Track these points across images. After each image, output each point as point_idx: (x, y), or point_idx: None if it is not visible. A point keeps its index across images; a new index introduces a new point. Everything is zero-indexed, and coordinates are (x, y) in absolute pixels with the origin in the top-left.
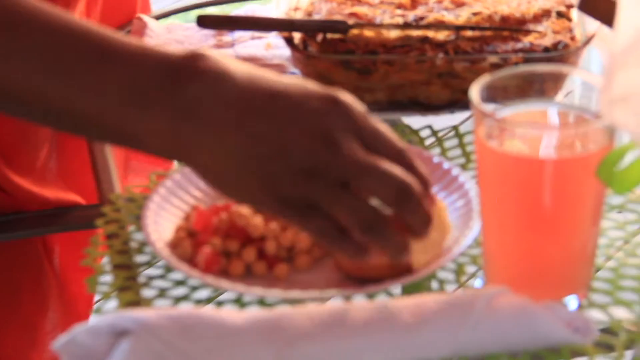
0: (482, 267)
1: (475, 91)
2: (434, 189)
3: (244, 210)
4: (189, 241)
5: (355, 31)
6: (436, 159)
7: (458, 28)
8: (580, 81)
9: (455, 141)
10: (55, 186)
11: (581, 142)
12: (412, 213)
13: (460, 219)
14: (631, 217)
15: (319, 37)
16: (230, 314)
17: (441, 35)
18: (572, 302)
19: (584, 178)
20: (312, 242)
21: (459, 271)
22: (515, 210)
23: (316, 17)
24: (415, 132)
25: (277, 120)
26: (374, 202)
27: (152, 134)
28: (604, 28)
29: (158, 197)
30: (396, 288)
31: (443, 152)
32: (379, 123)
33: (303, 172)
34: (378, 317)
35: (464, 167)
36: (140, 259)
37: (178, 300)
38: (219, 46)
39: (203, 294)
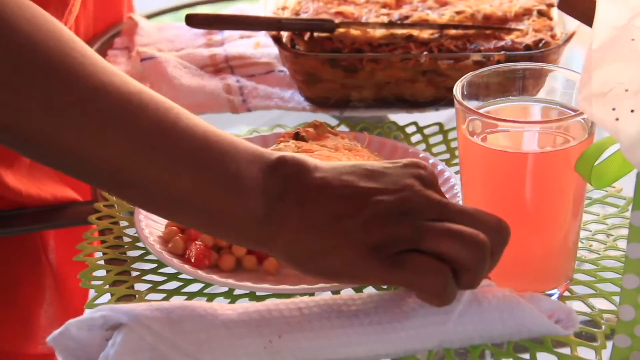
0: None
1: (458, 88)
2: None
3: None
4: (181, 236)
5: (341, 30)
6: (422, 155)
7: (442, 27)
8: (560, 78)
9: (440, 137)
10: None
11: (561, 137)
12: (478, 271)
13: None
14: (612, 211)
15: (307, 35)
16: (221, 306)
17: (425, 34)
18: (554, 293)
19: (565, 172)
20: None
21: None
22: (497, 204)
23: (303, 16)
24: (401, 128)
25: (357, 185)
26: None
27: (245, 216)
28: (584, 26)
29: None
30: None
31: (428, 148)
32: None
33: (390, 214)
34: (365, 310)
35: (448, 162)
36: (132, 253)
37: (170, 293)
38: (209, 45)
39: (195, 287)
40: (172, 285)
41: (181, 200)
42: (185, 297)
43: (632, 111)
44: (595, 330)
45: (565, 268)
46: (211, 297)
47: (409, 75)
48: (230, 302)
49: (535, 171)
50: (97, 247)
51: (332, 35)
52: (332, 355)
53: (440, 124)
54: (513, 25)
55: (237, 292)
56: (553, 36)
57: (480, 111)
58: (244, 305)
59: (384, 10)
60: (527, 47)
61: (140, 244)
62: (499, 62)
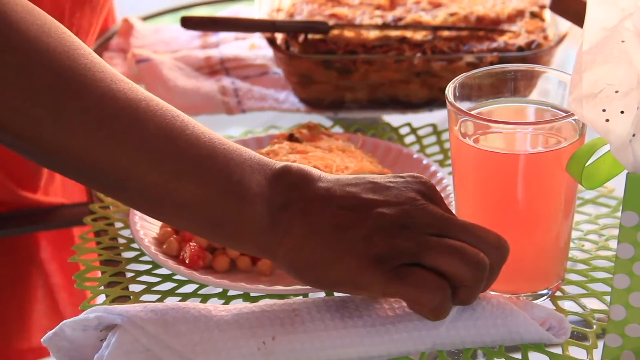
0: None
1: (450, 90)
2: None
3: None
4: (175, 237)
5: (335, 32)
6: (415, 155)
7: (435, 28)
8: (553, 79)
9: (433, 138)
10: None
11: (553, 138)
12: (475, 287)
13: None
14: (604, 211)
15: (301, 37)
16: (215, 308)
17: (419, 36)
18: (546, 293)
19: (556, 173)
20: None
21: None
22: (489, 205)
23: (298, 18)
24: (395, 129)
25: (360, 196)
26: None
27: (251, 224)
28: (576, 28)
29: None
30: None
31: (422, 149)
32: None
33: (393, 226)
34: (359, 312)
35: (442, 163)
36: (127, 254)
37: (165, 294)
38: (204, 47)
39: (189, 288)
40: (167, 286)
41: (186, 207)
42: (180, 298)
43: (622, 112)
44: (587, 330)
45: (557, 268)
46: (205, 298)
47: (403, 76)
48: (224, 303)
49: (526, 172)
50: (92, 248)
51: (326, 37)
52: (326, 357)
53: (434, 125)
54: (506, 26)
55: (231, 292)
56: (545, 37)
57: (473, 112)
58: (238, 306)
59: (378, 12)
60: (520, 49)
61: (135, 245)
62: (492, 63)
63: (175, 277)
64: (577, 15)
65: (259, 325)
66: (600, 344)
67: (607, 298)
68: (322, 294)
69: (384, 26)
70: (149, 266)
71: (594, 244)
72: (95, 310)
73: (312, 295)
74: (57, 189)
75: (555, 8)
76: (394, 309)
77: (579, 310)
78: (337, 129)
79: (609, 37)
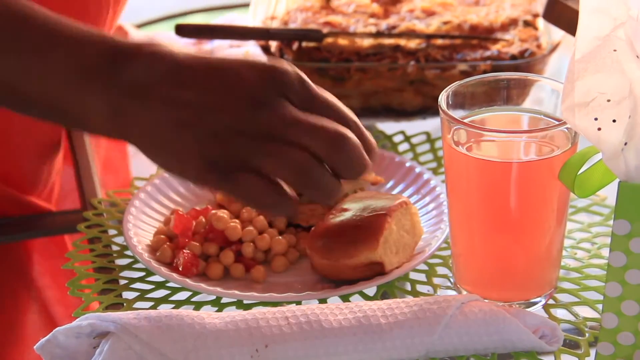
0: (451, 268)
1: (443, 98)
2: (407, 193)
3: (223, 214)
4: (169, 244)
5: (329, 39)
6: (409, 164)
7: (429, 36)
8: (546, 88)
9: (427, 146)
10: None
11: (546, 146)
12: (348, 159)
13: (432, 221)
14: (597, 219)
15: (295, 45)
16: (208, 315)
17: (412, 44)
18: (538, 301)
19: (549, 181)
20: (288, 245)
21: (430, 272)
22: (482, 213)
23: (292, 26)
24: (389, 137)
25: (206, 88)
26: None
27: (94, 114)
28: (570, 36)
29: (138, 202)
30: (371, 289)
31: (415, 157)
32: (322, 90)
33: (227, 130)
34: (352, 319)
35: (435, 171)
36: (121, 261)
37: (158, 301)
38: None
39: (182, 295)
40: (160, 293)
41: (29, 101)
42: (173, 305)
43: (614, 121)
44: (579, 338)
45: (549, 276)
46: (199, 306)
47: (397, 84)
48: (217, 311)
49: (519, 180)
50: (85, 255)
51: (320, 45)
52: None
53: (427, 133)
54: (499, 35)
55: (224, 300)
56: (539, 46)
57: (466, 121)
58: (231, 314)
59: (372, 20)
60: (513, 57)
61: (128, 253)
62: (485, 71)
63: (168, 285)
64: (570, 24)
65: (252, 332)
66: (593, 352)
67: (600, 306)
68: (315, 302)
69: (378, 34)
70: (142, 273)
71: (586, 252)
72: (89, 317)
73: (305, 302)
74: (53, 195)
75: (549, 17)
76: (387, 316)
77: (572, 318)
78: None
79: (601, 46)
